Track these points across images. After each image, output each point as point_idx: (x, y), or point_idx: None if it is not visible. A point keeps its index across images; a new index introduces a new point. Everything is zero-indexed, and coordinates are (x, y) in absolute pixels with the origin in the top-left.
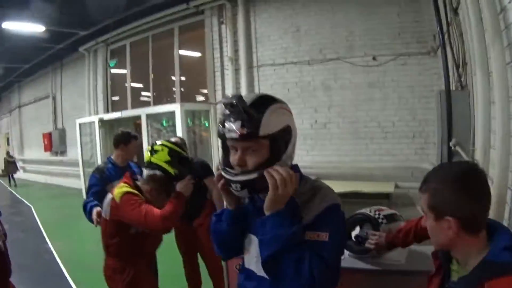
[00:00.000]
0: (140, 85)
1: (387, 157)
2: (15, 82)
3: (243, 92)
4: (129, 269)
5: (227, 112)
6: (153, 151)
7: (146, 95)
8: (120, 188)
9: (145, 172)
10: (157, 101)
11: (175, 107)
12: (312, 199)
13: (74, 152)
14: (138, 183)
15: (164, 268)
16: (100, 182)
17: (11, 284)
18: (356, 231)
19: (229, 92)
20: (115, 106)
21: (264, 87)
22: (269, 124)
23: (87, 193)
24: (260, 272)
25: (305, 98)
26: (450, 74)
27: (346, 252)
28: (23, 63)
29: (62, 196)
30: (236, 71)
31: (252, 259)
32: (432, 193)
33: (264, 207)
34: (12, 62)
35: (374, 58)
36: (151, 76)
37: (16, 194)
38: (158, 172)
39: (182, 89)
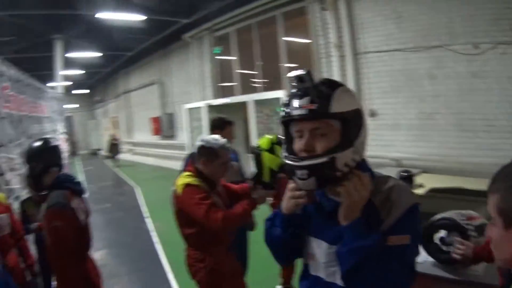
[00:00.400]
0: (249, 72)
1: (492, 152)
2: (121, 69)
3: (350, 80)
4: (209, 257)
5: (294, 89)
6: (272, 151)
7: (256, 81)
8: (182, 179)
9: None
10: (268, 88)
11: (282, 94)
12: (390, 198)
13: (182, 136)
14: (198, 165)
15: (256, 249)
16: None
17: (90, 257)
18: (441, 234)
19: (336, 80)
20: (223, 92)
21: (370, 75)
22: (341, 101)
23: None
24: (330, 278)
25: (410, 87)
26: None
27: (429, 258)
28: (127, 51)
29: (167, 178)
30: (342, 58)
31: (319, 265)
32: (504, 194)
33: (339, 217)
34: (117, 50)
35: (475, 46)
36: (258, 63)
37: (122, 175)
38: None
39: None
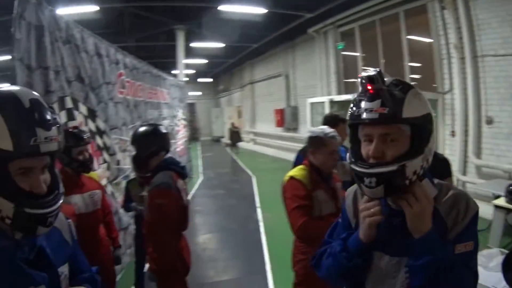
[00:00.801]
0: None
1: None
2: (247, 60)
3: (469, 84)
4: (312, 251)
5: (363, 90)
6: None
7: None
8: (294, 171)
9: None
10: None
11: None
12: (457, 206)
13: (305, 129)
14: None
15: None
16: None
17: (184, 236)
18: None
19: (456, 82)
20: (348, 88)
21: (487, 80)
22: (413, 106)
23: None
24: None
25: None
26: None
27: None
28: (252, 43)
29: (286, 170)
30: (462, 60)
31: (378, 278)
32: None
33: (409, 229)
34: (241, 42)
35: None
36: (382, 60)
37: (240, 164)
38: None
39: (413, 76)
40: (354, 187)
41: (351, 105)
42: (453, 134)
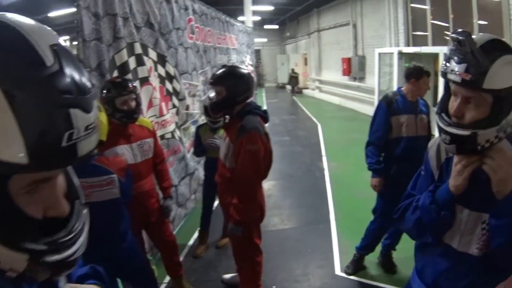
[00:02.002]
0: (442, 23)
1: None
2: (314, 7)
3: None
4: None
5: (454, 48)
6: None
7: (449, 34)
8: None
9: None
10: None
11: None
12: None
13: (372, 79)
14: None
15: None
16: (386, 113)
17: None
18: None
19: None
20: (416, 41)
21: None
22: (497, 77)
23: (372, 121)
24: (463, 247)
25: None
26: None
27: None
28: None
29: (352, 120)
30: None
31: (455, 232)
32: None
33: (492, 189)
34: None
35: None
36: (451, 16)
37: (306, 111)
38: None
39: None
40: (437, 139)
41: (444, 60)
42: None
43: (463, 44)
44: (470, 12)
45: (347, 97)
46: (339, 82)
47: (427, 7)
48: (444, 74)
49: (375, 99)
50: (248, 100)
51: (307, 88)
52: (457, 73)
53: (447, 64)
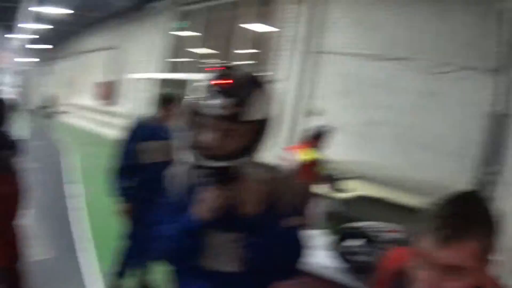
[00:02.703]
0: (203, 51)
1: (435, 171)
2: (80, 28)
3: (307, 77)
4: None
5: (211, 84)
6: None
7: (209, 62)
8: None
9: None
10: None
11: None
12: (279, 189)
13: (126, 105)
14: None
15: None
16: (136, 138)
17: None
18: (352, 242)
19: (289, 74)
20: (174, 68)
21: (325, 75)
22: (254, 110)
23: (121, 147)
24: (224, 267)
25: (364, 94)
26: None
27: (333, 264)
28: (87, 12)
29: (103, 145)
30: (299, 53)
31: (215, 255)
32: (482, 241)
33: (246, 211)
34: (76, 9)
35: (437, 66)
36: (214, 44)
37: (59, 136)
38: None
39: (242, 62)
40: (181, 166)
41: (199, 96)
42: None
43: (223, 77)
44: (236, 42)
45: (100, 122)
46: (94, 107)
47: (192, 34)
48: (203, 112)
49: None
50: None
51: (64, 112)
52: (217, 107)
53: (205, 99)
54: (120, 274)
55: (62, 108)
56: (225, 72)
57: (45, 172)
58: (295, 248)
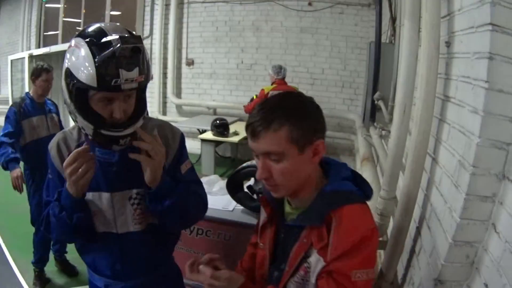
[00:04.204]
0: (74, 20)
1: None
2: None
3: (171, 29)
4: None
5: (122, 56)
6: None
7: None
8: None
9: None
10: None
11: None
12: (162, 133)
13: (6, 89)
14: None
15: None
16: (16, 117)
17: None
18: (249, 182)
19: (157, 28)
20: (47, 42)
21: (192, 24)
22: (150, 66)
23: (4, 126)
24: (123, 228)
25: (233, 38)
26: (385, 28)
27: (238, 206)
28: None
29: None
30: (166, 6)
31: (108, 219)
32: (292, 127)
33: (146, 181)
34: None
35: (309, 4)
36: (83, 11)
37: None
38: None
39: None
40: (57, 136)
41: (95, 67)
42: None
43: (142, 49)
44: (104, 5)
45: None
46: None
47: (60, 5)
48: (116, 87)
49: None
50: None
51: None
52: (133, 80)
53: (112, 76)
54: (44, 259)
55: None
56: (134, 38)
57: None
58: (197, 195)
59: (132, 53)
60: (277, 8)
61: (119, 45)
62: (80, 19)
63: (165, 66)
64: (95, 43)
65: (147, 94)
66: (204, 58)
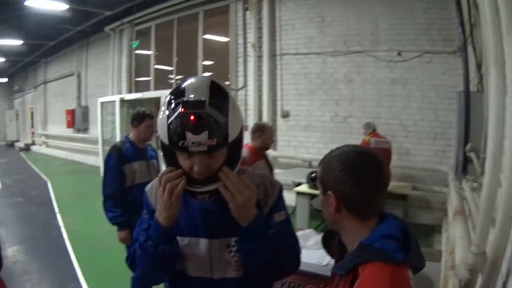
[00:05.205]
0: (166, 67)
1: (407, 156)
2: (42, 58)
3: (265, 80)
4: None
5: (184, 118)
6: None
7: (172, 77)
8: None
9: None
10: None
11: None
12: (261, 184)
13: (96, 130)
14: None
15: None
16: (117, 163)
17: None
18: None
19: (251, 79)
20: (139, 87)
21: (286, 76)
22: (235, 127)
23: (105, 173)
24: (219, 274)
25: (326, 90)
26: (472, 75)
27: (332, 260)
28: (48, 40)
29: (80, 172)
30: (259, 58)
31: (203, 264)
32: (323, 167)
33: (235, 218)
34: (37, 39)
35: (399, 54)
36: (175, 59)
37: (35, 168)
38: None
39: (206, 74)
40: (153, 182)
41: (168, 127)
42: (245, 128)
43: (204, 116)
44: (196, 54)
45: (73, 150)
46: (64, 135)
47: (152, 52)
48: (178, 149)
49: (100, 149)
50: None
51: (34, 144)
52: (201, 143)
53: (181, 137)
54: None
55: (35, 140)
56: (197, 103)
57: (32, 204)
58: (290, 248)
59: (196, 117)
60: (368, 60)
61: (181, 109)
62: (172, 66)
63: (260, 118)
64: (172, 103)
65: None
66: (299, 111)
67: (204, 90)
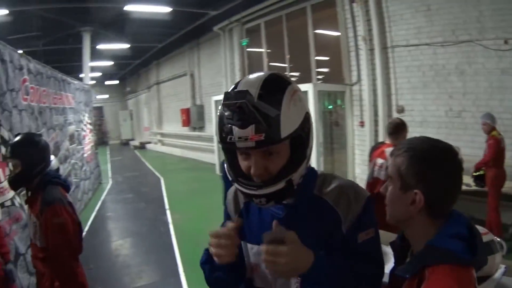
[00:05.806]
0: (279, 64)
1: None
2: (153, 60)
3: (378, 74)
4: None
5: (231, 112)
6: None
7: (286, 74)
8: None
9: None
10: (299, 80)
11: (308, 87)
12: (343, 194)
13: (211, 128)
14: None
15: None
16: None
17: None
18: None
19: (364, 73)
20: None
21: (399, 69)
22: (290, 121)
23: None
24: (282, 286)
25: (439, 83)
26: None
27: None
28: (157, 43)
29: (194, 169)
30: (371, 51)
31: (268, 276)
32: (407, 162)
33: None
34: (143, 42)
35: (505, 42)
36: (288, 55)
37: (149, 166)
38: None
39: (320, 69)
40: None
41: (219, 122)
42: (362, 124)
43: (244, 107)
44: (307, 49)
45: (188, 148)
46: (180, 133)
47: (263, 50)
48: (226, 145)
49: (215, 147)
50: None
51: (149, 142)
52: (248, 138)
53: (228, 132)
54: None
55: (150, 138)
56: (244, 97)
57: (142, 200)
58: (364, 278)
59: (237, 109)
60: (477, 49)
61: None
62: (285, 63)
63: (375, 114)
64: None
65: (357, 141)
66: (413, 105)
67: (255, 83)
